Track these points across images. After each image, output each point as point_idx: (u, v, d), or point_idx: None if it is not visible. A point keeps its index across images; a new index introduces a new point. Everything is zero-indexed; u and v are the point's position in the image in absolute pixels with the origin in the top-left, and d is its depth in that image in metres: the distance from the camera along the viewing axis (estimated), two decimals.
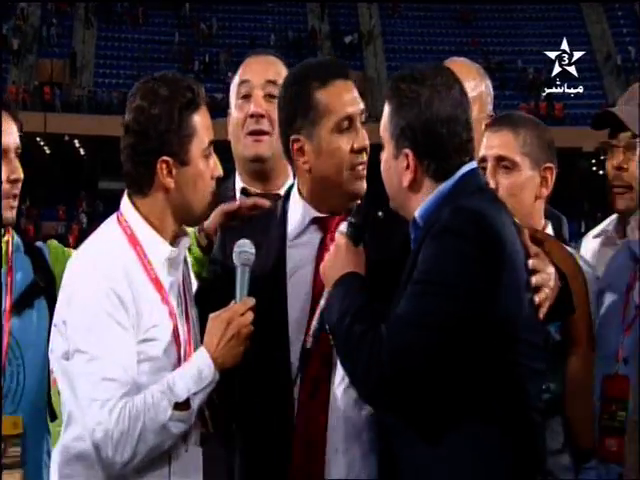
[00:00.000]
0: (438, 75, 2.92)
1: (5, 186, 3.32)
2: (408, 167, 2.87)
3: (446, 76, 2.93)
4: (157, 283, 2.99)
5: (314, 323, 3.01)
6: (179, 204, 3.01)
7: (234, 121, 3.75)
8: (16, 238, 3.46)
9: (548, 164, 3.29)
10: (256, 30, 45.47)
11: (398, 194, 2.94)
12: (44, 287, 3.43)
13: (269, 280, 3.11)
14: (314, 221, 3.19)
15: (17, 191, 3.37)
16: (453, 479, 2.70)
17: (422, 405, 2.70)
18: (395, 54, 45.60)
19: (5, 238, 3.41)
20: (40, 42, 44.34)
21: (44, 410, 3.43)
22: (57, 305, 3.00)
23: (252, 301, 3.01)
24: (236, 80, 3.81)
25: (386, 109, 2.96)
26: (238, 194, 3.74)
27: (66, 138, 41.11)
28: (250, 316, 2.98)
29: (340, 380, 3.04)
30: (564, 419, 3.10)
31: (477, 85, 3.86)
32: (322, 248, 3.15)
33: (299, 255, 3.15)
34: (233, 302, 3.01)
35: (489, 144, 3.31)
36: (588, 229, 3.66)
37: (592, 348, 3.06)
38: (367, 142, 3.15)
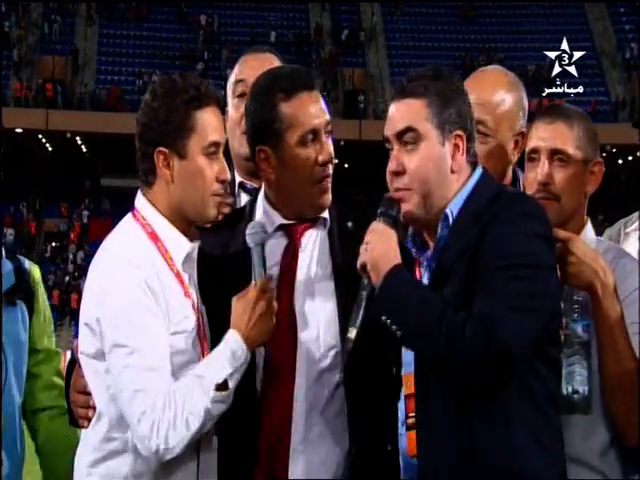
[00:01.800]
0: (454, 72, 3.07)
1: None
2: (456, 150, 2.95)
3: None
4: (179, 277, 3.03)
5: (356, 315, 2.94)
6: (179, 198, 3.04)
7: (230, 120, 3.77)
8: None
9: (598, 159, 3.23)
10: (257, 27, 45.46)
11: (440, 183, 2.94)
12: (25, 293, 3.54)
13: (235, 281, 3.12)
14: (280, 227, 3.22)
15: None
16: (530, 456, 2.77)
17: (511, 386, 2.76)
18: (397, 51, 45.59)
19: None
20: (42, 39, 44.37)
21: (20, 408, 3.52)
22: (84, 305, 3.01)
23: (271, 278, 3.07)
24: (232, 78, 3.82)
25: (417, 104, 2.95)
26: (237, 188, 3.79)
27: (68, 135, 41.16)
28: (273, 293, 3.04)
29: (303, 382, 3.07)
30: (610, 417, 3.06)
31: (505, 100, 3.51)
32: (287, 253, 3.19)
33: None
34: (253, 282, 3.04)
35: (542, 136, 3.21)
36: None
37: (627, 344, 3.01)
38: (332, 154, 3.17)
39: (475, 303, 2.71)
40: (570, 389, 3.02)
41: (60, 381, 3.58)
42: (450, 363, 2.73)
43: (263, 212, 3.25)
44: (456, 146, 2.93)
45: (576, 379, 3.03)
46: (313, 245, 3.22)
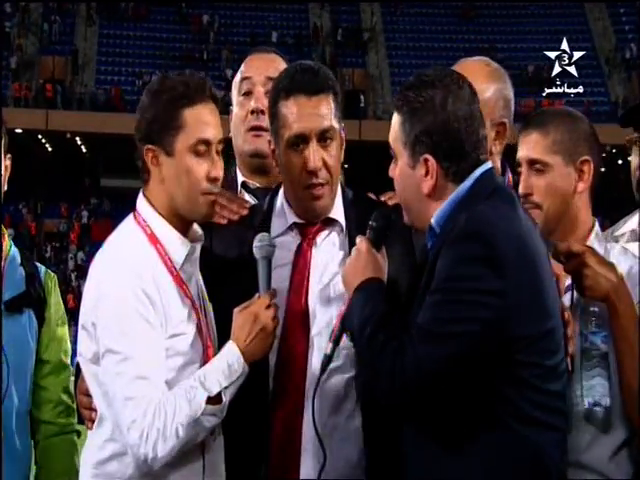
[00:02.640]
0: (446, 76, 2.89)
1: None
2: (427, 174, 2.84)
3: (454, 76, 2.91)
4: (179, 279, 3.02)
5: (334, 329, 2.98)
6: (170, 195, 3.03)
7: (236, 117, 3.78)
8: (13, 249, 3.53)
9: (584, 157, 3.22)
10: (257, 27, 45.43)
11: (416, 204, 2.90)
12: (34, 301, 3.50)
13: (250, 275, 3.11)
14: (294, 225, 3.22)
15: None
16: None
17: (439, 411, 2.71)
18: (397, 51, 45.55)
19: None
20: (42, 40, 44.34)
21: (26, 415, 3.48)
22: (83, 308, 3.00)
23: (275, 293, 3.05)
24: (238, 77, 3.83)
25: (396, 120, 2.90)
26: (239, 188, 3.77)
27: (68, 135, 41.10)
28: (275, 308, 3.02)
29: (314, 381, 3.05)
30: (622, 422, 3.04)
31: (484, 89, 3.51)
32: (299, 252, 3.20)
33: (277, 255, 3.14)
34: (257, 295, 3.04)
35: (521, 147, 3.27)
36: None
37: None
38: (323, 162, 3.11)
39: None
40: (592, 401, 3.00)
41: (67, 398, 3.55)
42: (371, 383, 2.77)
43: (280, 207, 3.26)
44: (426, 170, 2.84)
45: (597, 391, 3.00)
46: (329, 245, 3.21)
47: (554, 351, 2.80)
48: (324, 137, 3.13)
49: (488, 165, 2.89)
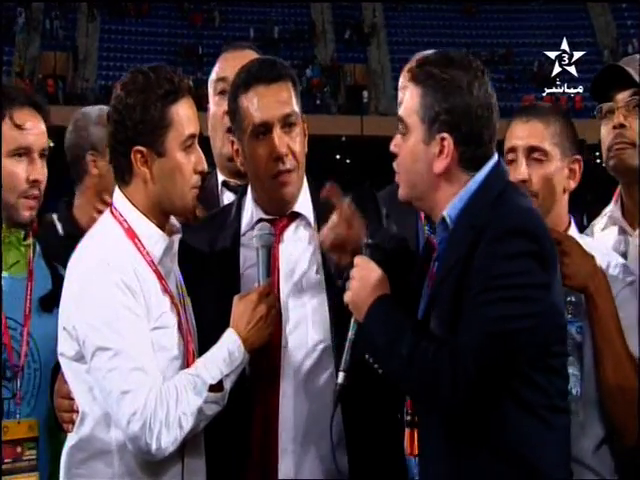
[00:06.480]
0: (472, 61, 2.84)
1: (25, 186, 3.32)
2: (441, 153, 2.78)
3: (479, 63, 2.86)
4: (158, 273, 3.00)
5: (345, 357, 2.91)
6: (158, 194, 3.00)
7: (213, 118, 3.77)
8: (37, 245, 3.45)
9: (576, 156, 3.24)
10: (259, 23, 45.39)
11: (423, 182, 2.83)
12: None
13: (223, 276, 3.12)
14: (260, 222, 3.18)
15: (37, 192, 3.34)
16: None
17: (479, 405, 2.70)
18: (398, 47, 45.49)
19: (27, 241, 3.39)
20: (43, 35, 44.32)
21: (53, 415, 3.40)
22: (63, 308, 2.98)
23: (274, 281, 3.06)
24: (213, 76, 3.82)
25: (414, 92, 2.83)
26: (220, 187, 3.78)
27: None
28: (275, 296, 3.03)
29: (290, 379, 3.06)
30: (603, 418, 3.08)
31: None
32: None
33: (248, 254, 3.14)
34: (256, 284, 3.04)
35: (519, 134, 3.23)
36: (591, 221, 3.64)
37: (624, 345, 3.02)
38: (288, 148, 3.08)
39: (458, 327, 2.68)
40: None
41: None
42: (426, 396, 2.72)
43: (249, 205, 3.24)
44: (441, 149, 2.79)
45: (570, 380, 3.00)
46: (297, 241, 3.18)
47: (566, 339, 2.88)
48: (288, 123, 3.11)
49: (496, 157, 2.86)
